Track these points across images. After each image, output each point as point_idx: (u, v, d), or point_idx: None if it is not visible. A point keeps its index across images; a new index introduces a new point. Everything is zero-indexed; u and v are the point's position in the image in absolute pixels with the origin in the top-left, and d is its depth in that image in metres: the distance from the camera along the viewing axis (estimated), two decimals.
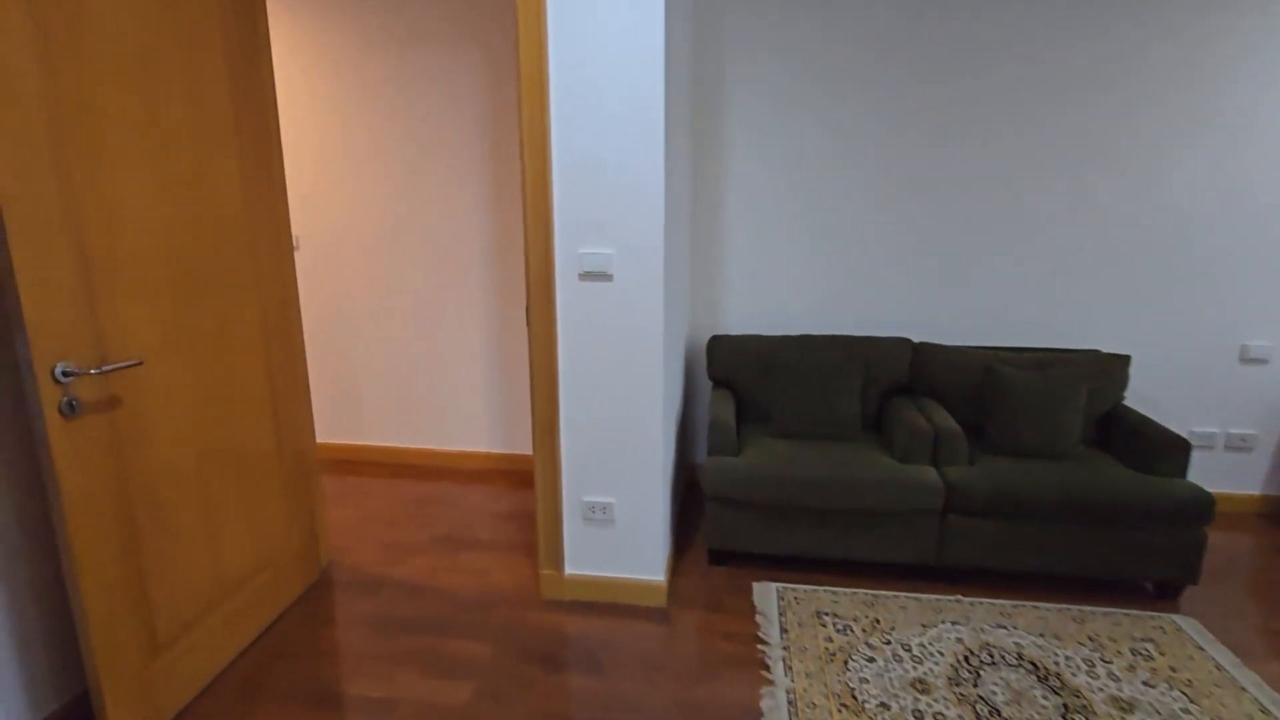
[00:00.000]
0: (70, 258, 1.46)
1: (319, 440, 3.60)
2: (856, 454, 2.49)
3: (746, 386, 2.87)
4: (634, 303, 2.08)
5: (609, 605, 2.28)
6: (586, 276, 2.08)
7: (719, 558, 2.58)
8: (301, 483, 2.37)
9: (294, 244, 3.38)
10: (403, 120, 3.16)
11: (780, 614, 2.23)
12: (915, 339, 3.00)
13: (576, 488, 2.24)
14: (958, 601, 2.29)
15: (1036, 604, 2.29)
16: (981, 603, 2.29)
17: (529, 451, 3.44)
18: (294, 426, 2.31)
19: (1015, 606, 2.27)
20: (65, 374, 1.45)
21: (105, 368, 1.49)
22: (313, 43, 3.16)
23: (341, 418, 3.56)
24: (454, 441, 3.48)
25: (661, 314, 2.08)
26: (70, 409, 1.46)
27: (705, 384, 3.24)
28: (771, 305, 3.05)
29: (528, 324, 2.17)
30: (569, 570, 2.31)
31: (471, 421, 3.44)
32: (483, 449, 3.47)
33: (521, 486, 3.27)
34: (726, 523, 2.46)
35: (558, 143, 2.01)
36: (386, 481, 3.32)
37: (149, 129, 1.67)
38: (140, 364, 1.59)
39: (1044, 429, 2.48)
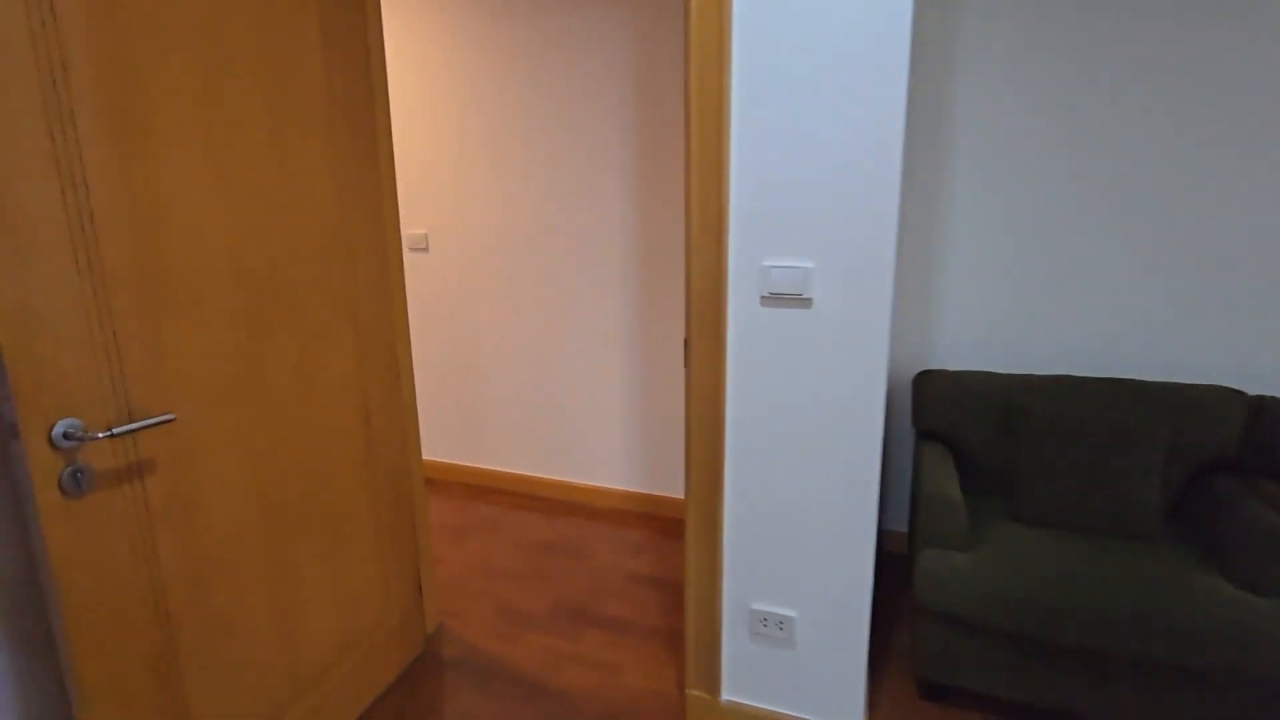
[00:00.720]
0: (79, 278, 1.07)
1: (440, 459, 3.28)
2: (1164, 566, 1.65)
3: (974, 444, 2.09)
4: (843, 339, 1.41)
5: None
6: (773, 300, 1.45)
7: (934, 691, 1.85)
8: (404, 538, 1.95)
9: (422, 245, 3.05)
10: (541, 96, 2.69)
11: None
12: (1249, 390, 2.05)
13: (742, 590, 1.63)
14: None
15: None
16: None
17: (672, 494, 2.87)
18: (396, 472, 1.90)
19: None
20: (69, 437, 1.06)
21: (117, 429, 1.09)
22: (433, 4, 2.78)
23: (466, 439, 3.20)
24: (587, 475, 3.00)
25: (885, 358, 1.40)
26: (75, 484, 1.07)
27: (901, 427, 2.48)
28: (1013, 329, 2.23)
29: (685, 361, 1.57)
30: (726, 696, 1.70)
31: (607, 455, 2.93)
32: (618, 486, 2.95)
33: (661, 536, 2.72)
34: (950, 649, 1.73)
35: (740, 111, 1.39)
36: (510, 515, 2.91)
37: (210, 108, 1.26)
38: (172, 420, 1.18)
39: None
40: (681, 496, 2.85)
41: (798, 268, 1.41)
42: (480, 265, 2.97)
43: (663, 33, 2.46)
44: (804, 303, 1.43)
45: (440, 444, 3.27)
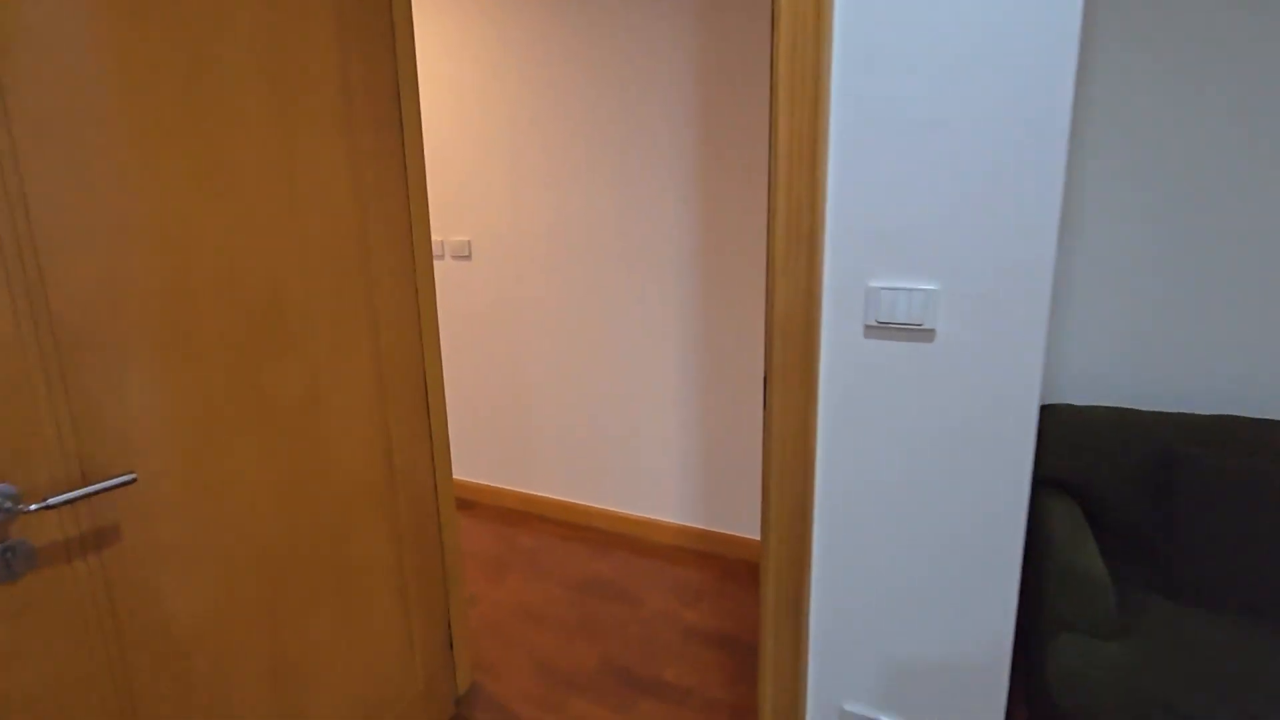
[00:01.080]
0: (15, 310, 0.85)
1: (479, 481, 3.06)
2: None
3: (1110, 498, 1.72)
4: (977, 383, 1.09)
5: None
6: (882, 330, 1.14)
7: None
8: (432, 587, 1.72)
9: (465, 252, 2.84)
10: (596, 92, 2.43)
11: None
12: None
13: (832, 686, 1.32)
14: None
15: None
16: None
17: (733, 531, 2.57)
18: (423, 511, 1.66)
19: None
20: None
21: (54, 500, 0.87)
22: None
23: (509, 460, 2.97)
24: (638, 506, 2.72)
25: (1035, 411, 1.07)
26: (7, 566, 0.86)
27: None
28: (1160, 357, 1.83)
29: (765, 401, 1.28)
30: None
31: (661, 485, 2.65)
32: (673, 520, 2.67)
33: (721, 579, 2.42)
34: None
35: (843, 87, 1.09)
36: (554, 546, 2.66)
37: (196, 97, 1.04)
38: (133, 480, 0.96)
39: None
40: (745, 535, 2.55)
41: (916, 290, 1.09)
42: (527, 274, 2.73)
43: (732, 21, 2.16)
44: (923, 334, 1.11)
45: (480, 464, 3.05)
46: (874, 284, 1.13)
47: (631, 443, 2.67)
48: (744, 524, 2.54)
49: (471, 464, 3.08)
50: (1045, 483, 1.83)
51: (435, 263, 2.91)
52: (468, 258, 2.84)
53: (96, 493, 0.91)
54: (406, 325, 1.57)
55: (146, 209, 0.99)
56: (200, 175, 1.06)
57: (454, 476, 3.16)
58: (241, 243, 1.14)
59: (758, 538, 2.52)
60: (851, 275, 1.14)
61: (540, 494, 2.93)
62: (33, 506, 0.85)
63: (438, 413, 1.72)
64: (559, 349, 2.73)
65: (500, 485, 3.02)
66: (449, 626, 1.81)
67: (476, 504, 3.07)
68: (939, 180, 1.05)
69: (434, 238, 2.89)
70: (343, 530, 1.41)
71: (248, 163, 1.14)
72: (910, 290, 1.10)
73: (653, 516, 2.70)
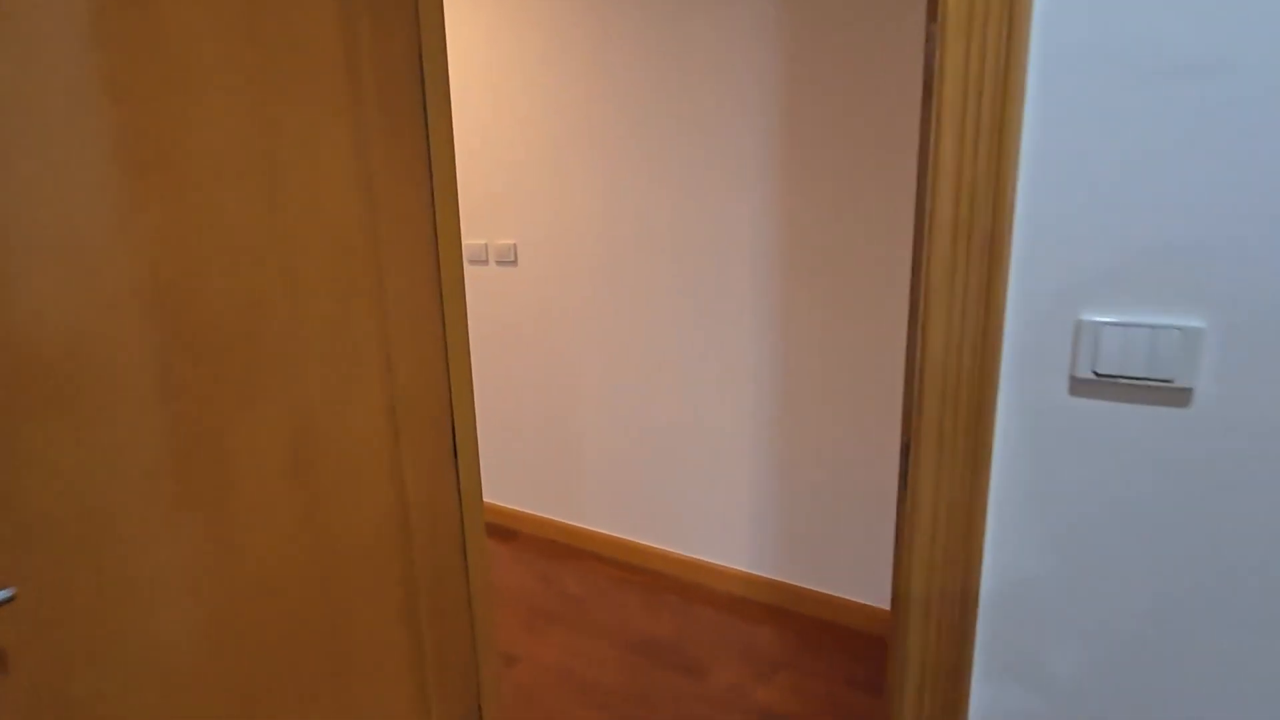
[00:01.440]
0: None
1: (521, 509, 2.76)
2: None
3: None
4: (1266, 473, 0.70)
5: None
6: (1103, 386, 0.76)
7: None
8: (457, 663, 1.42)
9: (510, 257, 2.54)
10: (654, 79, 2.10)
11: None
12: None
13: None
14: None
15: None
16: None
17: (812, 586, 2.19)
18: (446, 573, 1.36)
19: None
20: None
21: None
22: None
23: (555, 487, 2.66)
24: (701, 549, 2.38)
25: None
26: None
27: None
28: None
29: (903, 478, 0.92)
30: None
31: (729, 526, 2.30)
32: (739, 567, 2.31)
33: (799, 642, 2.04)
34: None
35: (1052, 18, 0.72)
36: (604, 593, 2.34)
37: (113, 33, 0.75)
38: (11, 598, 0.67)
39: None
40: (829, 591, 2.17)
41: (1165, 328, 0.72)
42: (578, 282, 2.42)
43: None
44: (1174, 395, 0.73)
45: (522, 490, 2.76)
46: (1090, 316, 0.75)
47: (694, 476, 2.32)
48: (828, 578, 2.16)
49: (513, 489, 2.79)
50: None
51: (479, 269, 2.64)
52: (513, 263, 2.54)
53: None
54: (429, 351, 1.27)
55: (37, 194, 0.70)
56: (127, 149, 0.77)
57: (493, 502, 2.88)
58: (193, 246, 0.84)
59: (843, 595, 2.13)
60: (1053, 302, 0.77)
61: (588, 527, 2.61)
62: None
63: (467, 455, 1.41)
64: (612, 364, 2.41)
65: (543, 514, 2.72)
66: (479, 708, 1.51)
67: (517, 534, 2.77)
68: (1214, 157, 0.67)
69: (477, 241, 2.62)
70: (341, 608, 1.11)
71: (203, 135, 0.85)
72: (1154, 328, 0.72)
73: (718, 562, 2.34)
